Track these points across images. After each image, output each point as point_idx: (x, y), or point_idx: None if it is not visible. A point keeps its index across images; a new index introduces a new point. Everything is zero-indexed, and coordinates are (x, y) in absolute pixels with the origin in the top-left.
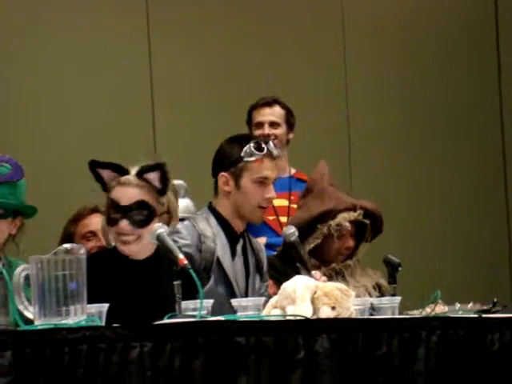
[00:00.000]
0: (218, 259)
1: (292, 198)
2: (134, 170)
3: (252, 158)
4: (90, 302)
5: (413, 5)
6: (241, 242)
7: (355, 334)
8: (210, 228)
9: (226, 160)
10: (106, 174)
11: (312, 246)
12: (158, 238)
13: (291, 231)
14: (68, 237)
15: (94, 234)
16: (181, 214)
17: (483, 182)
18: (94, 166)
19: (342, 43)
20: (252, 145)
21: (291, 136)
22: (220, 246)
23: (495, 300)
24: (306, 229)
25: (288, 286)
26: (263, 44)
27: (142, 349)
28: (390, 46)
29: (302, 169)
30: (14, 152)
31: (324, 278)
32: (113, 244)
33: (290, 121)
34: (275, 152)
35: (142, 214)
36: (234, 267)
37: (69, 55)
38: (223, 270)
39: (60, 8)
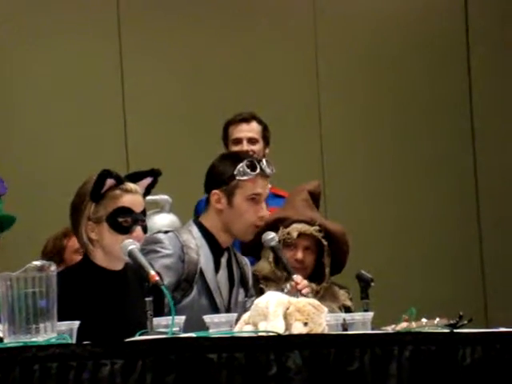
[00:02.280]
0: (201, 271)
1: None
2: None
3: (245, 177)
4: (65, 318)
5: (385, 12)
6: (225, 255)
7: (327, 349)
8: (193, 240)
9: (219, 178)
10: (108, 182)
11: (272, 253)
12: (130, 254)
13: (271, 236)
14: (58, 251)
15: None
16: (165, 229)
17: (456, 196)
18: (106, 176)
19: (315, 55)
20: (245, 163)
21: (267, 151)
22: (203, 258)
23: (461, 314)
24: (262, 234)
25: (260, 301)
26: (235, 58)
27: (112, 366)
28: (364, 56)
29: (276, 183)
30: None
31: (305, 281)
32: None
33: (266, 136)
34: (268, 170)
35: (145, 221)
36: (217, 280)
37: (43, 74)
38: (206, 282)
39: (33, 28)
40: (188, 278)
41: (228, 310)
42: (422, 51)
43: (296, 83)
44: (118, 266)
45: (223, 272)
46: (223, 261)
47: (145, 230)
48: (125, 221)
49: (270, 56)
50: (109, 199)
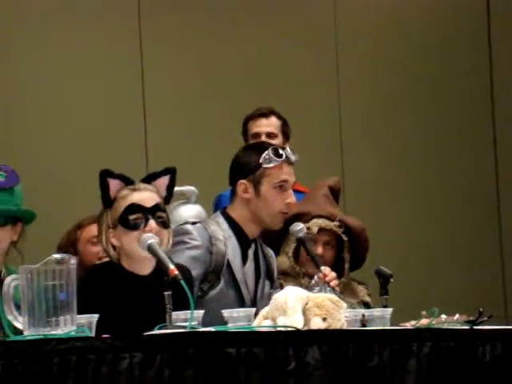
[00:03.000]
0: (229, 262)
1: None
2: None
3: (271, 165)
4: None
5: (406, 7)
6: (253, 246)
7: (346, 345)
8: (221, 231)
9: (245, 167)
10: (114, 184)
11: (292, 248)
12: (149, 248)
13: (299, 227)
14: (72, 242)
15: (98, 238)
16: (192, 220)
17: (476, 192)
18: (106, 175)
19: (335, 52)
20: (271, 151)
21: (287, 146)
22: (231, 250)
23: (481, 310)
24: (282, 229)
25: (279, 296)
26: (255, 53)
27: (131, 360)
28: (383, 54)
29: (296, 179)
30: (11, 157)
31: (333, 273)
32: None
33: (285, 131)
34: (293, 157)
35: (163, 215)
36: (244, 271)
37: (60, 64)
38: (233, 274)
39: (51, 16)
40: (215, 270)
41: (254, 302)
42: (443, 48)
43: (316, 79)
44: (146, 271)
45: (250, 264)
46: (250, 253)
47: (163, 223)
48: (136, 217)
49: (290, 51)
50: (118, 201)
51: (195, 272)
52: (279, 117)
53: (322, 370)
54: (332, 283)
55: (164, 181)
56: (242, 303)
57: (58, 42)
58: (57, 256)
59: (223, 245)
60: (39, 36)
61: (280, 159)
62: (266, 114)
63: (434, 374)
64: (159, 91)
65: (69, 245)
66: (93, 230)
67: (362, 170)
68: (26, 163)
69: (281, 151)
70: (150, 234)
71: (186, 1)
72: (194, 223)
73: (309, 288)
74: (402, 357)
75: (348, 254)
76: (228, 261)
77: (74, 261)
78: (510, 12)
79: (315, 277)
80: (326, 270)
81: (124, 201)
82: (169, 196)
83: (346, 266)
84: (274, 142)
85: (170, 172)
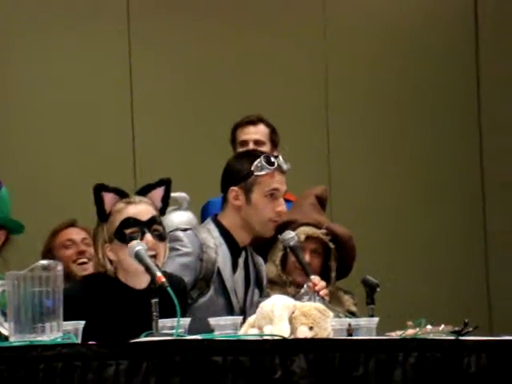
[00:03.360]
0: (219, 270)
1: None
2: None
3: (263, 172)
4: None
5: (395, 14)
6: (243, 255)
7: (332, 354)
8: (212, 239)
9: (236, 175)
10: (108, 198)
11: (279, 256)
12: (137, 255)
13: (291, 235)
14: (48, 251)
15: (72, 241)
16: (183, 227)
17: (462, 202)
18: (100, 189)
19: (325, 58)
20: (263, 159)
21: (275, 154)
22: (221, 258)
23: (466, 321)
24: (270, 237)
25: (266, 305)
26: (244, 60)
27: (117, 367)
28: (373, 61)
29: None
30: None
31: (323, 282)
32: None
33: (274, 139)
34: (285, 166)
35: (159, 228)
36: (234, 279)
37: (47, 68)
38: (223, 282)
39: (34, 23)
40: (205, 277)
41: (243, 311)
42: (430, 55)
43: (304, 86)
44: (142, 285)
45: (240, 272)
46: (240, 261)
47: (159, 236)
48: (132, 231)
49: (278, 58)
50: (114, 215)
51: (185, 279)
52: (267, 124)
53: (308, 379)
54: (321, 292)
55: (159, 192)
56: (231, 311)
57: (45, 44)
58: (43, 262)
59: (214, 252)
60: (26, 40)
61: (272, 167)
62: (253, 121)
63: None
64: (148, 95)
65: (46, 254)
66: (66, 233)
67: (349, 179)
68: (10, 169)
69: (273, 159)
70: (138, 241)
71: (174, 3)
72: (184, 230)
73: (298, 297)
74: (388, 367)
75: (335, 262)
76: (218, 268)
77: (60, 267)
78: (498, 16)
79: (305, 286)
80: (315, 279)
81: (119, 215)
82: (164, 207)
83: (333, 274)
84: (262, 149)
85: (165, 183)
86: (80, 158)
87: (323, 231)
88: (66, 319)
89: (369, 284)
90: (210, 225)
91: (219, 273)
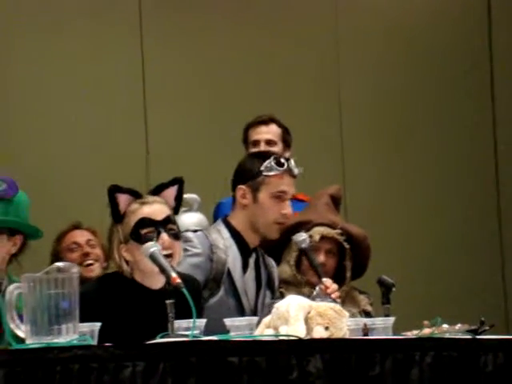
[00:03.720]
0: (229, 271)
1: None
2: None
3: (272, 173)
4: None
5: (407, 10)
6: (253, 255)
7: (348, 354)
8: (222, 239)
9: (246, 173)
10: (122, 199)
11: (293, 257)
12: (151, 256)
13: (302, 238)
14: (55, 256)
15: (78, 244)
16: (193, 228)
17: (477, 201)
18: (114, 191)
19: (337, 57)
20: (273, 160)
21: (287, 155)
22: (231, 259)
23: (482, 319)
24: (284, 238)
25: (281, 305)
26: (257, 56)
27: (134, 368)
28: (385, 59)
29: (297, 188)
30: (9, 162)
31: (335, 285)
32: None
33: (286, 139)
34: (295, 170)
35: (174, 227)
36: (244, 280)
37: (60, 65)
38: (233, 283)
39: (50, 13)
40: (216, 278)
41: (254, 312)
42: (442, 51)
43: (317, 85)
44: (158, 285)
45: (251, 273)
46: (251, 261)
47: (175, 235)
48: (148, 231)
49: (291, 57)
50: (128, 215)
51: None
52: (279, 124)
53: (324, 380)
54: (333, 295)
55: (172, 191)
56: (241, 312)
57: (56, 41)
58: (59, 264)
59: (223, 253)
60: (39, 36)
61: (281, 168)
62: (265, 121)
63: (436, 383)
64: (160, 94)
65: (54, 258)
66: (71, 236)
67: (364, 178)
68: (26, 169)
69: (283, 161)
70: (152, 243)
71: (187, 0)
72: (195, 231)
73: (310, 299)
74: (405, 366)
75: (350, 261)
76: (228, 269)
77: (76, 269)
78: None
79: (317, 288)
80: (327, 281)
81: (134, 215)
82: (177, 206)
83: (348, 274)
84: (274, 149)
85: (178, 182)
86: (93, 158)
87: (338, 231)
88: (82, 320)
89: (384, 284)
90: (220, 226)
91: (229, 274)
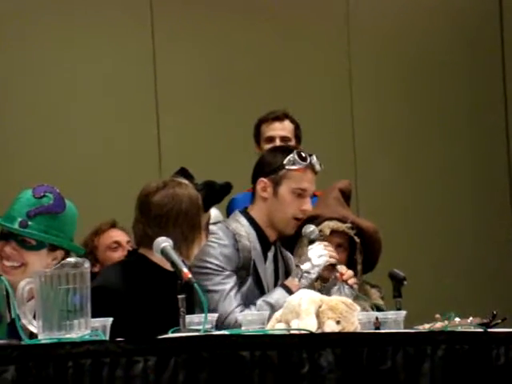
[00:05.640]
0: (254, 261)
1: None
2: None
3: (294, 167)
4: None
5: (418, 11)
6: (272, 249)
7: (360, 348)
8: (242, 227)
9: (268, 167)
10: None
11: (305, 252)
12: (163, 251)
13: (311, 229)
14: (90, 250)
15: (118, 244)
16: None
17: (490, 194)
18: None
19: (347, 54)
20: (296, 154)
21: (310, 153)
22: (253, 249)
23: (494, 312)
24: (295, 233)
25: (293, 299)
26: (268, 52)
27: (145, 363)
28: (396, 56)
29: None
30: (22, 160)
31: (350, 271)
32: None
33: (298, 135)
34: (317, 166)
35: None
36: (265, 272)
37: (72, 64)
38: (257, 271)
39: (61, 11)
40: (244, 266)
41: None
42: (455, 53)
43: (329, 82)
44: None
45: (269, 266)
46: (270, 255)
47: None
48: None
49: (302, 53)
50: None
51: (228, 269)
52: (292, 120)
53: (336, 373)
54: (350, 281)
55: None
56: None
57: (67, 38)
58: (70, 260)
59: (247, 240)
60: (49, 33)
61: (304, 163)
62: (280, 117)
63: (448, 377)
64: (172, 90)
65: (88, 253)
66: (111, 235)
67: (375, 173)
68: (38, 166)
69: (306, 155)
70: (164, 238)
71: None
72: (214, 223)
73: (327, 288)
74: (416, 360)
75: (360, 255)
76: (254, 260)
77: (87, 264)
78: None
79: (333, 276)
80: (342, 268)
81: None
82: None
83: (359, 267)
84: None
85: (181, 172)
86: (105, 154)
87: (348, 225)
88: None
89: (396, 277)
90: (238, 216)
91: (254, 262)
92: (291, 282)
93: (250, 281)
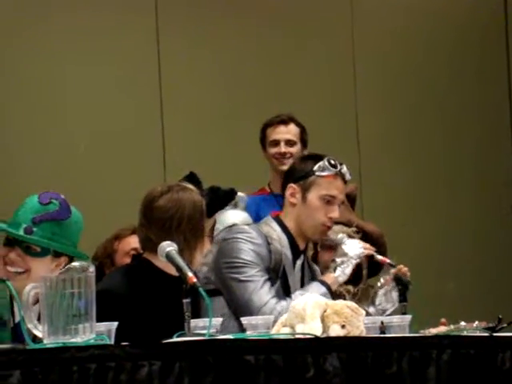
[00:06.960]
0: (284, 267)
1: None
2: None
3: (324, 173)
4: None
5: (424, 10)
6: (301, 257)
7: (365, 352)
8: (274, 231)
9: (298, 173)
10: None
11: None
12: (168, 256)
13: (340, 235)
14: (109, 254)
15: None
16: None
17: (494, 195)
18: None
19: (352, 55)
20: (326, 161)
21: (340, 162)
22: (284, 255)
23: (500, 317)
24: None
25: (298, 304)
26: (273, 52)
27: (150, 367)
28: (401, 57)
29: None
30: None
31: (368, 245)
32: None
33: (304, 138)
34: (347, 175)
35: None
36: (294, 279)
37: (76, 65)
38: (285, 277)
39: (66, 9)
40: (275, 268)
41: None
42: (460, 53)
43: (333, 85)
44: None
45: (296, 275)
46: (298, 263)
47: None
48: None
49: (307, 53)
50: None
51: (260, 267)
52: (298, 124)
53: (341, 378)
54: (403, 270)
55: None
56: None
57: (72, 40)
58: (75, 264)
59: (278, 244)
60: (53, 34)
61: (334, 169)
62: (285, 121)
63: (453, 381)
64: (177, 90)
65: (105, 256)
66: (131, 241)
67: (380, 176)
68: (43, 169)
69: (336, 163)
70: (168, 242)
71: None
72: (246, 225)
73: (375, 290)
74: (422, 364)
75: (366, 259)
76: (284, 266)
77: (92, 269)
78: None
79: (381, 279)
80: (381, 258)
81: None
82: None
83: (364, 271)
84: (293, 149)
85: (189, 178)
86: (110, 158)
87: (353, 229)
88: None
89: (401, 282)
90: (270, 221)
91: (284, 268)
92: (327, 276)
93: (278, 284)
